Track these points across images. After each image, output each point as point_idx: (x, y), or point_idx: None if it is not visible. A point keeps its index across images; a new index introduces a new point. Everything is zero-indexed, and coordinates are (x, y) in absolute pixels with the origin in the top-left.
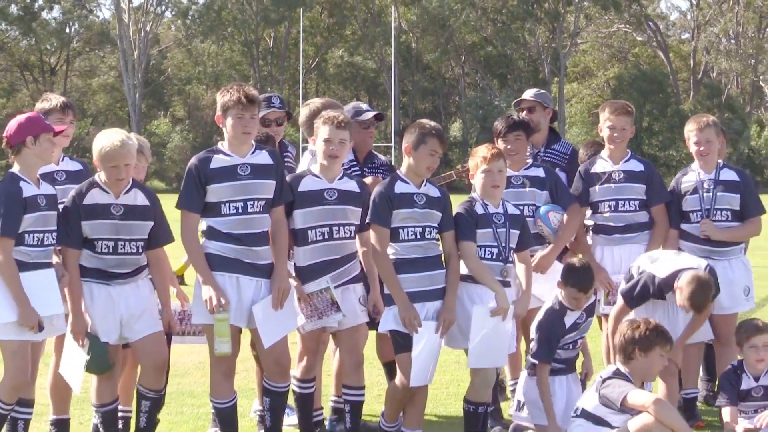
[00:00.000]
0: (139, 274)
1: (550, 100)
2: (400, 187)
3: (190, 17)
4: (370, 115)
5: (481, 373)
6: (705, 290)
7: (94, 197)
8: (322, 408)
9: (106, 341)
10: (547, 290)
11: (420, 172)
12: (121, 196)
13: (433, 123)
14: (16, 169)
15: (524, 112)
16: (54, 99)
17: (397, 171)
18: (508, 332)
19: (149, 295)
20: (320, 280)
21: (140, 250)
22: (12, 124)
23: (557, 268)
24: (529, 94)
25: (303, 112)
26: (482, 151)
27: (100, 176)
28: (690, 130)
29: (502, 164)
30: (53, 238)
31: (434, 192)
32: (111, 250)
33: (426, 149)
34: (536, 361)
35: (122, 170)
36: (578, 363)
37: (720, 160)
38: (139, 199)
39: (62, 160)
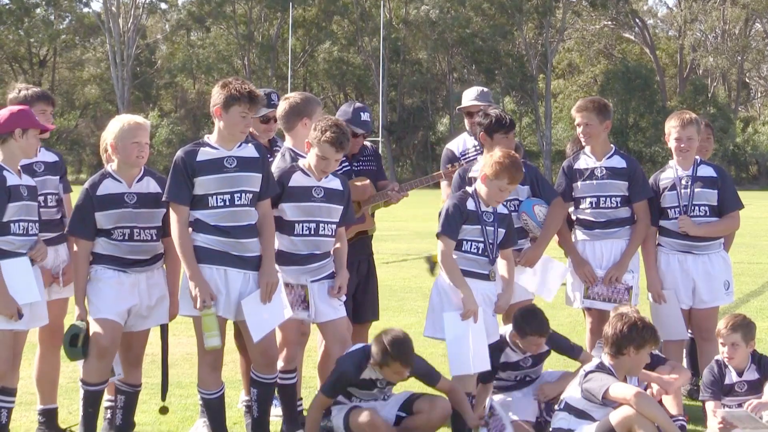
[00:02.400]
0: (156, 262)
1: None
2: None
3: (182, 6)
4: (361, 131)
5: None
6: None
7: (108, 187)
8: (302, 399)
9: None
10: (535, 283)
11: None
12: (133, 184)
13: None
14: None
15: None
16: (34, 88)
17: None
18: (483, 333)
19: (163, 286)
20: (300, 277)
21: (155, 238)
22: (3, 113)
23: (544, 261)
24: (472, 96)
25: (281, 106)
26: (508, 169)
27: (111, 166)
28: (672, 126)
29: (513, 187)
30: (37, 228)
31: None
32: (127, 237)
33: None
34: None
35: (143, 147)
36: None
37: (697, 157)
38: (151, 186)
39: (39, 151)
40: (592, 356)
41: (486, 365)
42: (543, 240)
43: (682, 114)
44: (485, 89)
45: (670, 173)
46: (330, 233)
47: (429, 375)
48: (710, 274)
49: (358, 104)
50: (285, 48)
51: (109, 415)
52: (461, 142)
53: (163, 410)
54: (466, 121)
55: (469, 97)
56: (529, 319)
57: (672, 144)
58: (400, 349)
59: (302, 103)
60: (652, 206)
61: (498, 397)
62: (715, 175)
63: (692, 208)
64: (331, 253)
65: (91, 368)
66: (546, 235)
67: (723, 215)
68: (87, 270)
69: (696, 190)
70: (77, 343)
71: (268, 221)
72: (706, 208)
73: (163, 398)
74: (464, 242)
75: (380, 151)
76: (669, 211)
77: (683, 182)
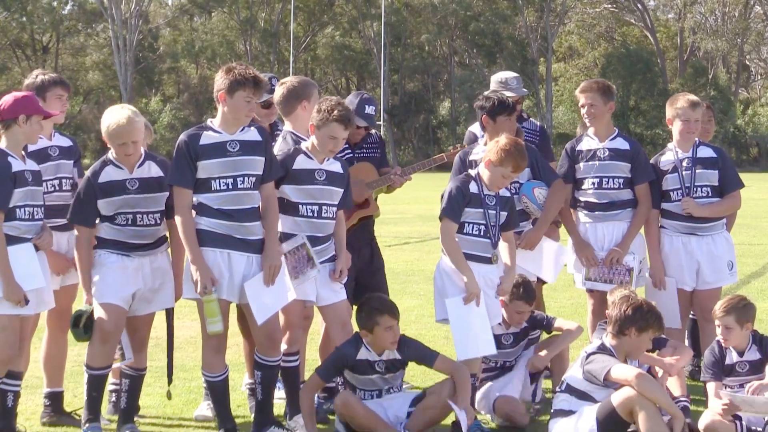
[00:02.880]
0: (159, 246)
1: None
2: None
3: None
4: (364, 124)
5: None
6: None
7: (109, 174)
8: (305, 381)
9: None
10: (536, 266)
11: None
12: (134, 170)
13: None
14: (2, 144)
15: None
16: (51, 74)
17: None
18: (486, 317)
19: (168, 270)
20: (296, 238)
21: (158, 222)
22: (7, 99)
23: (545, 243)
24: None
25: (279, 91)
26: (513, 157)
27: (112, 153)
28: (679, 108)
29: (516, 175)
30: (42, 213)
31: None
32: (130, 223)
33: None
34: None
35: (129, 147)
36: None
37: (696, 138)
38: (153, 171)
39: (54, 135)
40: (564, 328)
41: (491, 348)
42: (543, 222)
43: (688, 96)
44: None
45: (670, 156)
46: (331, 216)
47: (424, 356)
48: (714, 255)
49: (365, 95)
50: (287, 33)
51: (114, 399)
52: None
53: (169, 395)
54: None
55: (503, 77)
56: (518, 286)
57: (677, 126)
58: (382, 302)
59: (300, 86)
60: (653, 189)
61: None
62: (714, 155)
63: (694, 189)
64: (332, 237)
65: (95, 352)
66: (546, 217)
67: (724, 195)
68: (90, 255)
69: (697, 171)
70: (80, 324)
71: (271, 204)
72: (708, 189)
73: (169, 382)
74: (466, 224)
75: (382, 135)
76: (671, 193)
77: (684, 164)
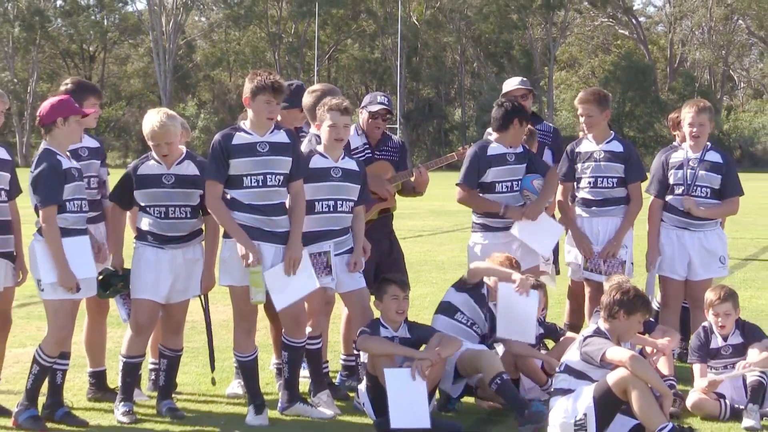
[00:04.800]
0: (193, 239)
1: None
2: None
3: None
4: (377, 108)
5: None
6: None
7: (149, 168)
8: (327, 362)
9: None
10: (534, 240)
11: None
12: (173, 166)
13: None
14: (50, 145)
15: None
16: (85, 81)
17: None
18: (533, 309)
19: (199, 260)
20: (323, 244)
21: (190, 216)
22: (45, 106)
23: (545, 220)
24: (516, 82)
25: (307, 99)
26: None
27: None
28: (687, 113)
29: None
30: (87, 206)
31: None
32: (163, 215)
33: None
34: None
35: (164, 148)
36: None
37: (708, 143)
38: (190, 169)
39: (83, 137)
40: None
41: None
42: (543, 197)
43: (697, 102)
44: (525, 78)
45: (681, 154)
46: (347, 210)
47: (427, 335)
48: (705, 249)
49: (377, 92)
50: (313, 44)
51: (153, 377)
52: None
53: (213, 381)
54: None
55: (513, 83)
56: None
57: (686, 129)
58: (394, 275)
59: (322, 95)
60: (653, 181)
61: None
62: (721, 161)
63: (694, 188)
64: (350, 229)
65: (130, 343)
66: (545, 193)
67: (724, 199)
68: (120, 228)
69: (700, 172)
70: (102, 282)
71: (298, 200)
72: (708, 190)
73: (212, 369)
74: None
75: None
76: (675, 188)
77: (691, 164)
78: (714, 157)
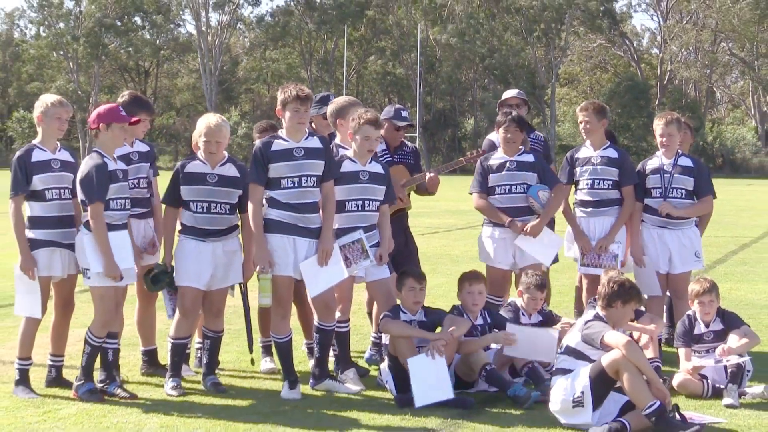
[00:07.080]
0: (231, 232)
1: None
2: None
3: (262, 27)
4: (403, 124)
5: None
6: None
7: (195, 167)
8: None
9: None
10: (536, 251)
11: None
12: (216, 167)
13: None
14: (98, 147)
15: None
16: (139, 95)
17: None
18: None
19: (237, 251)
20: (353, 234)
21: (229, 212)
22: (93, 114)
23: (546, 234)
24: (513, 93)
25: (331, 108)
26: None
27: (201, 152)
28: (657, 125)
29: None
30: (129, 204)
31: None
32: (204, 210)
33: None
34: None
35: (213, 146)
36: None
37: (679, 150)
38: (231, 171)
39: (134, 143)
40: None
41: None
42: (545, 216)
43: (666, 114)
44: (521, 91)
45: (656, 161)
46: (374, 209)
47: (440, 318)
48: (683, 245)
49: (398, 105)
50: (340, 61)
51: (199, 355)
52: None
53: (252, 361)
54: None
55: (510, 93)
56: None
57: (657, 139)
58: (412, 269)
59: (339, 107)
60: (637, 188)
61: None
62: (692, 165)
63: (671, 190)
64: (377, 226)
65: (177, 326)
66: (548, 212)
67: (698, 199)
68: (173, 229)
69: (675, 175)
70: (151, 277)
71: (330, 199)
72: (683, 191)
73: (251, 351)
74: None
75: (417, 145)
76: (652, 191)
77: (666, 169)
78: (686, 162)
